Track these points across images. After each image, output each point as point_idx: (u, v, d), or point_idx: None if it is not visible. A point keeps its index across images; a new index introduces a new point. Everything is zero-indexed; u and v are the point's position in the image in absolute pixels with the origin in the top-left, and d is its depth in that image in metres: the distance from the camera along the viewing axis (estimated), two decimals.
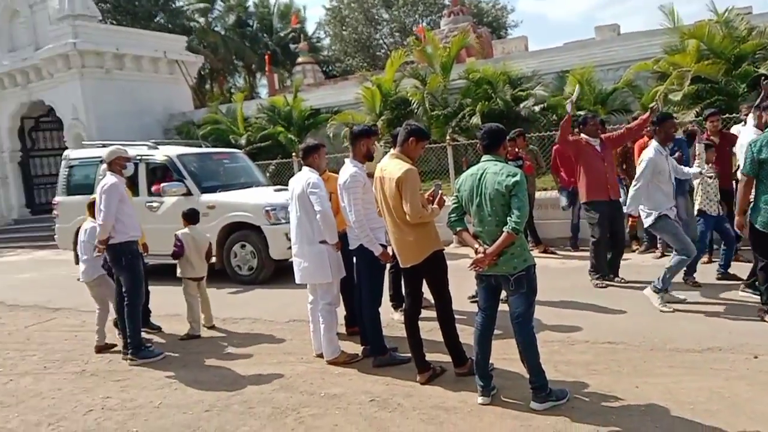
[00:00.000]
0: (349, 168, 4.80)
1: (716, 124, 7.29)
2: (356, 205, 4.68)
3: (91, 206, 6.06)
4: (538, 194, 9.37)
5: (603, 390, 4.11)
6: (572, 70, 13.16)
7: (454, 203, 4.16)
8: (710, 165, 6.48)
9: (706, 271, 6.71)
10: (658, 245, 7.92)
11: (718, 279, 6.53)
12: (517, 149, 8.54)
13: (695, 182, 6.58)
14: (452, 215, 4.15)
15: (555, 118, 12.83)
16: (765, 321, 5.13)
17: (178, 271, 6.50)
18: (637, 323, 5.42)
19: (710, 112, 7.54)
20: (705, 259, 7.09)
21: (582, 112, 12.46)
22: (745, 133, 6.30)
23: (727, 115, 7.32)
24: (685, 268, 6.50)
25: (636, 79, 12.84)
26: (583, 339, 5.14)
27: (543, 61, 14.64)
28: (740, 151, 5.94)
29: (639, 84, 12.81)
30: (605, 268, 6.83)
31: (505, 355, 4.65)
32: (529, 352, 3.93)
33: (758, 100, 5.81)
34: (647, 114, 6.57)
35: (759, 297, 5.40)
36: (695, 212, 6.56)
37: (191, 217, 6.62)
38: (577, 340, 5.12)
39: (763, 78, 6.83)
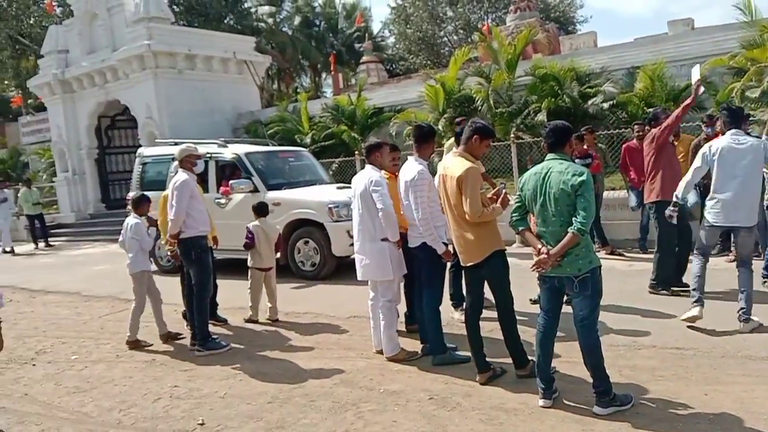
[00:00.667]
0: (414, 165, 4.82)
1: None
2: (422, 203, 4.70)
3: (137, 202, 6.28)
4: (606, 194, 9.14)
5: (669, 397, 3.99)
6: (643, 66, 12.73)
7: (516, 202, 4.11)
8: None
9: None
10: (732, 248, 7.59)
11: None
12: (586, 146, 8.38)
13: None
14: (515, 214, 4.11)
15: (625, 116, 12.46)
16: None
17: (249, 261, 6.77)
18: (706, 329, 5.22)
19: None
20: None
21: (652, 109, 12.15)
22: None
23: None
24: (762, 270, 6.24)
25: (711, 75, 12.29)
26: (649, 344, 4.99)
27: (612, 56, 14.22)
28: None
29: (714, 80, 12.26)
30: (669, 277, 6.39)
31: (568, 358, 4.59)
32: (592, 356, 3.84)
33: None
34: (692, 96, 5.97)
35: None
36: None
37: (261, 210, 6.88)
38: (643, 345, 4.98)
39: None
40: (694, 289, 5.31)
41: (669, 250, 6.29)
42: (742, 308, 5.12)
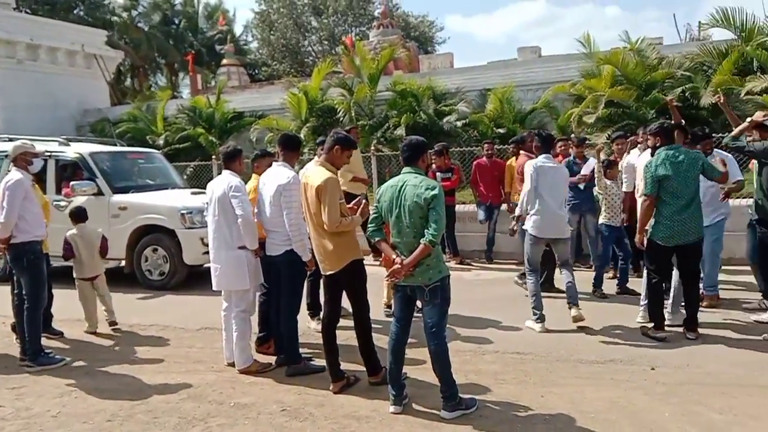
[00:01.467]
0: (285, 170, 4.77)
1: (622, 147, 7.66)
2: (295, 208, 4.64)
3: None
4: (456, 207, 9.57)
5: (510, 399, 4.23)
6: (494, 89, 13.58)
7: (373, 214, 4.19)
8: (613, 180, 6.88)
9: (611, 284, 7.06)
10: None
11: (618, 293, 6.86)
12: (447, 161, 8.88)
13: (600, 196, 6.95)
14: (371, 225, 4.18)
15: (476, 134, 13.19)
16: (647, 336, 5.41)
17: (74, 272, 6.40)
18: (545, 335, 5.62)
19: (616, 135, 7.99)
20: (610, 274, 7.45)
21: (501, 130, 12.98)
22: (645, 156, 6.67)
23: (632, 137, 7.76)
24: (593, 281, 6.86)
25: (554, 101, 13.39)
26: (493, 349, 5.28)
27: (467, 78, 15.03)
28: (638, 174, 6.21)
29: (556, 105, 13.36)
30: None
31: (418, 364, 4.71)
32: (440, 362, 3.99)
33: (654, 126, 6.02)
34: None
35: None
36: (600, 225, 6.95)
37: (78, 215, 6.48)
38: (487, 351, 5.26)
39: (670, 99, 7.20)
40: (534, 308, 5.80)
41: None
42: (570, 297, 5.81)
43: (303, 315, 5.51)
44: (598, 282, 6.91)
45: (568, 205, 7.20)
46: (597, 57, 12.64)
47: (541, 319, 5.75)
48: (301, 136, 13.30)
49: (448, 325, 4.11)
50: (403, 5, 34.94)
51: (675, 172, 5.17)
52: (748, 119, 5.58)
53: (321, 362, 4.76)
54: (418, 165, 4.10)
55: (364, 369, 4.58)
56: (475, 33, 74.23)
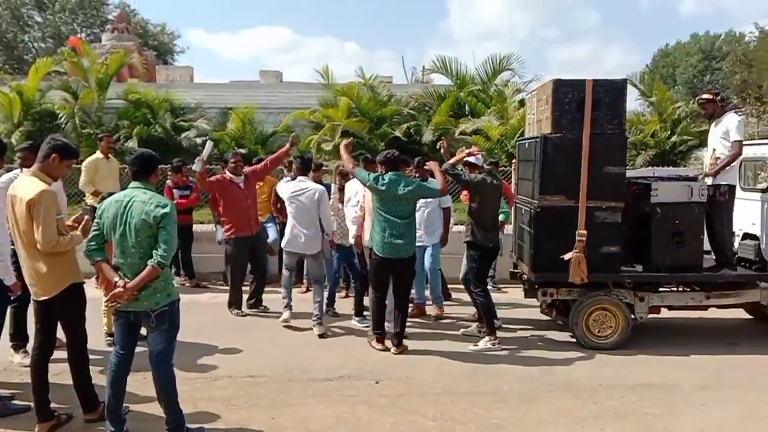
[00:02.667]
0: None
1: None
2: None
3: None
4: (194, 227, 9.21)
5: (241, 424, 4.17)
6: (236, 108, 13.51)
7: (94, 231, 3.80)
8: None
9: (345, 303, 7.40)
10: (304, 280, 8.44)
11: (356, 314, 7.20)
12: (185, 177, 8.53)
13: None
14: (91, 244, 3.79)
15: (216, 152, 12.92)
16: (372, 347, 5.81)
17: None
18: (279, 355, 5.65)
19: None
20: (343, 294, 7.81)
21: (243, 150, 12.93)
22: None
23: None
24: (326, 299, 7.15)
25: (294, 126, 13.77)
26: (225, 374, 5.15)
27: (209, 94, 14.74)
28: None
29: (297, 130, 13.74)
30: (241, 301, 7.15)
31: (144, 396, 4.38)
32: (166, 392, 3.76)
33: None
34: (288, 146, 7.10)
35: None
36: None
37: None
38: (219, 376, 5.10)
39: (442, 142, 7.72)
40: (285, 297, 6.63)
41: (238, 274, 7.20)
42: (316, 315, 6.36)
43: (4, 346, 4.79)
44: (330, 300, 7.19)
45: None
46: (335, 88, 13.38)
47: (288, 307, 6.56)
48: (13, 140, 11.73)
49: (179, 352, 3.88)
50: (143, 12, 33.04)
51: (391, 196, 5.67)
52: (463, 152, 6.35)
53: (26, 402, 4.18)
54: (148, 180, 3.84)
55: (79, 405, 4.11)
56: (218, 50, 73.34)
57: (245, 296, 7.20)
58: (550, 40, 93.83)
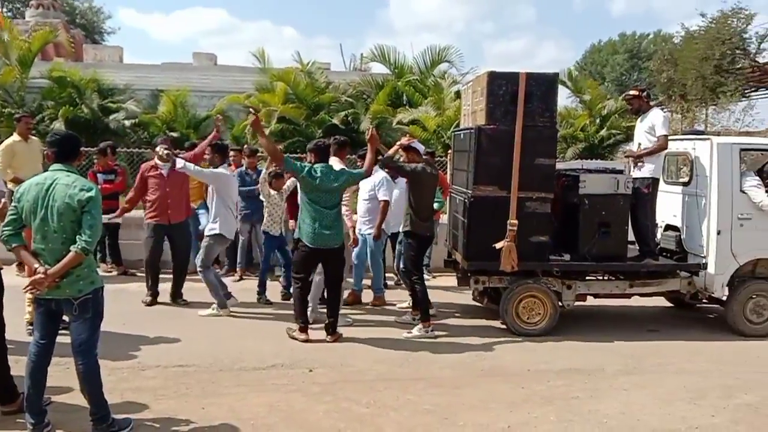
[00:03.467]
0: None
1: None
2: None
3: None
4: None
5: (170, 414, 4.06)
6: (167, 91, 13.09)
7: (11, 215, 3.61)
8: (278, 192, 7.07)
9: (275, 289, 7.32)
10: (237, 268, 8.32)
11: (283, 299, 7.16)
12: (110, 162, 8.21)
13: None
14: (7, 229, 3.60)
15: (147, 136, 12.54)
16: (294, 338, 5.74)
17: None
18: (210, 345, 5.53)
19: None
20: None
21: (174, 134, 12.56)
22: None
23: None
24: (257, 287, 7.06)
25: (229, 110, 13.46)
26: (154, 364, 5.00)
27: (139, 75, 14.23)
28: None
29: (231, 115, 13.45)
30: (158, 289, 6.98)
31: (67, 386, 4.21)
32: (90, 382, 3.63)
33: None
34: (212, 135, 6.99)
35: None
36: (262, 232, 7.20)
37: None
38: (147, 366, 4.96)
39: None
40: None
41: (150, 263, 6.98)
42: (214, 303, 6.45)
43: None
44: (262, 288, 7.11)
45: (241, 214, 7.33)
46: (271, 73, 13.15)
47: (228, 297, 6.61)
48: None
49: (105, 341, 3.74)
50: None
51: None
52: (398, 143, 6.34)
53: None
54: (70, 163, 3.67)
55: None
56: (149, 30, 70.84)
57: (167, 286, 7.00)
58: (487, 33, 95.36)
